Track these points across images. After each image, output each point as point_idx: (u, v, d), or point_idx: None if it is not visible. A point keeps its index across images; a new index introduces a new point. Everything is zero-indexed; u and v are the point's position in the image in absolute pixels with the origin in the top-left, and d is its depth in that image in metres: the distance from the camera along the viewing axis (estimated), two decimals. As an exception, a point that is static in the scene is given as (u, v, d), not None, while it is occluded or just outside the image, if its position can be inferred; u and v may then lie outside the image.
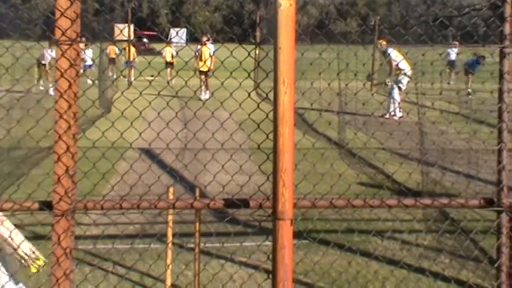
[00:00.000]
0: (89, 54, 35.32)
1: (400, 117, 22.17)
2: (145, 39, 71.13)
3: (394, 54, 22.61)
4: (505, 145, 5.70)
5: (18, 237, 5.55)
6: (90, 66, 35.77)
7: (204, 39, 30.18)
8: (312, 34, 7.47)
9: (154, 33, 74.24)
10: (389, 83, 23.22)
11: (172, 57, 37.54)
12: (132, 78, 35.49)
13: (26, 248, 5.44)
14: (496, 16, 5.86)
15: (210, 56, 28.63)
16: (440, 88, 32.46)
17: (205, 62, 27.67)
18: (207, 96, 27.72)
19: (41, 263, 5.73)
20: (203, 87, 28.45)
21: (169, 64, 37.26)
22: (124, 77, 33.86)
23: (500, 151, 5.72)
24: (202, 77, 28.97)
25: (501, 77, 5.78)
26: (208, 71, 28.54)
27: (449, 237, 8.98)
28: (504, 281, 5.88)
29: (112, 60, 36.85)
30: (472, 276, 7.74)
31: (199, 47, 29.56)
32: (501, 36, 5.80)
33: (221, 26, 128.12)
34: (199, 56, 28.89)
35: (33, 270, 5.72)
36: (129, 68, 36.07)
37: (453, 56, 37.70)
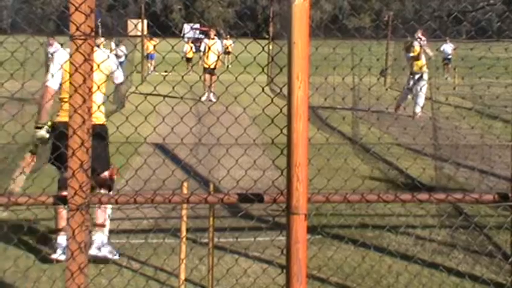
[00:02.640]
0: (122, 51, 34.99)
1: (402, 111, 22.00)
2: (201, 35, 66.38)
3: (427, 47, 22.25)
4: (520, 140, 5.70)
5: None
6: (121, 63, 35.55)
7: (212, 33, 28.68)
8: (326, 29, 7.48)
9: (207, 28, 72.49)
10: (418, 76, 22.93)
11: (192, 52, 37.89)
12: (151, 68, 35.55)
13: None
14: (511, 11, 5.85)
15: (221, 54, 27.81)
16: (454, 83, 32.40)
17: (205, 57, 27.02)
18: (212, 98, 26.22)
19: None
20: (207, 87, 26.67)
21: (189, 59, 37.50)
22: (138, 72, 33.79)
23: (514, 146, 5.72)
24: (207, 75, 26.76)
25: (516, 72, 5.77)
26: (214, 68, 26.77)
27: (463, 232, 8.97)
28: (518, 276, 5.88)
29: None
30: (486, 271, 7.72)
31: (205, 41, 28.19)
32: (516, 31, 5.79)
33: (234, 21, 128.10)
34: (205, 52, 27.49)
35: None
36: (142, 63, 35.92)
37: (448, 55, 37.75)
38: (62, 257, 7.83)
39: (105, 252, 8.13)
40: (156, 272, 7.59)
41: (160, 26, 6.48)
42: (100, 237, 8.18)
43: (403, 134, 12.92)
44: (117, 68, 8.47)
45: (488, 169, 12.05)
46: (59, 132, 7.55)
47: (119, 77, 8.49)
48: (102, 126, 8.13)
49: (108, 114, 8.38)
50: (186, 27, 74.44)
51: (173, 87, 5.60)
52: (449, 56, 37.97)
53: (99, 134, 7.32)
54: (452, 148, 13.55)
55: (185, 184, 6.22)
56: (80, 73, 4.28)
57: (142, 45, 35.68)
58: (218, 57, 27.30)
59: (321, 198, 5.00)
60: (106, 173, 8.29)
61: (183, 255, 6.60)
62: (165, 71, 7.84)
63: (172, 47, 5.26)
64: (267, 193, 4.83)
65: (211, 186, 6.16)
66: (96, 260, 7.75)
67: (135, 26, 34.93)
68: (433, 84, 14.15)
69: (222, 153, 5.89)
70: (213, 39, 27.99)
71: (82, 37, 4.27)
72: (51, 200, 4.64)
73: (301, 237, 3.72)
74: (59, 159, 7.15)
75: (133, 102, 6.48)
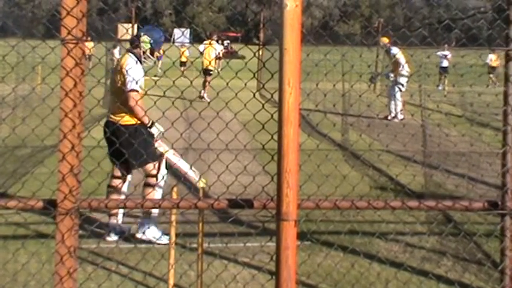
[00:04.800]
0: (117, 54, 35.19)
1: (402, 119, 22.10)
2: (227, 42, 64.03)
3: (400, 54, 22.44)
4: (510, 148, 5.70)
5: (183, 164, 8.66)
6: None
7: (214, 37, 31.04)
8: (316, 35, 7.47)
9: (237, 34, 69.63)
10: (391, 79, 23.03)
11: (186, 57, 38.77)
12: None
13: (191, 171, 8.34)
14: (502, 19, 5.86)
15: (216, 57, 28.95)
16: (445, 90, 32.41)
17: (209, 61, 28.07)
18: (206, 98, 27.31)
19: (205, 181, 7.84)
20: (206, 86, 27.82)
21: (184, 64, 38.22)
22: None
23: (504, 154, 5.72)
24: (205, 76, 27.96)
25: (506, 79, 5.78)
26: (211, 70, 28.23)
27: (453, 240, 8.97)
28: (507, 284, 5.87)
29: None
30: (475, 279, 7.73)
31: (203, 45, 29.71)
32: (507, 39, 5.80)
33: (225, 26, 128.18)
34: (204, 55, 28.42)
35: (201, 185, 7.67)
36: None
37: (445, 62, 37.18)
38: (114, 238, 8.87)
39: (150, 236, 8.85)
40: (145, 277, 7.56)
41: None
42: (146, 221, 8.87)
43: (393, 140, 12.92)
44: (129, 75, 8.53)
45: (478, 177, 12.07)
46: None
47: (127, 85, 8.50)
48: (132, 126, 8.58)
49: (98, 119, 8.38)
50: (177, 32, 74.04)
51: (164, 92, 5.60)
52: (444, 65, 37.18)
53: (131, 133, 8.21)
54: (443, 155, 13.57)
55: (175, 189, 6.21)
56: (71, 77, 4.28)
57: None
58: (217, 58, 28.56)
59: (311, 205, 5.00)
60: (148, 166, 8.80)
61: (172, 261, 6.58)
62: (155, 75, 7.86)
63: (164, 52, 5.26)
64: (257, 199, 4.83)
65: (201, 191, 6.16)
66: (86, 261, 7.74)
67: (127, 30, 34.89)
68: (424, 91, 14.14)
69: (212, 158, 5.88)
70: (210, 44, 29.19)
71: (73, 41, 4.27)
72: (40, 204, 4.62)
73: (290, 243, 3.71)
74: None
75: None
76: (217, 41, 31.45)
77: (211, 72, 28.25)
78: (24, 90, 7.40)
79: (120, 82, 8.60)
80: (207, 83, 27.87)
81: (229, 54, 53.04)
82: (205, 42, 30.01)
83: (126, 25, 36.32)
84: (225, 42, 61.46)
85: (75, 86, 4.30)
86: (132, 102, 8.38)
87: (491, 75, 38.98)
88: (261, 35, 36.18)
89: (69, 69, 4.27)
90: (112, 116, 8.66)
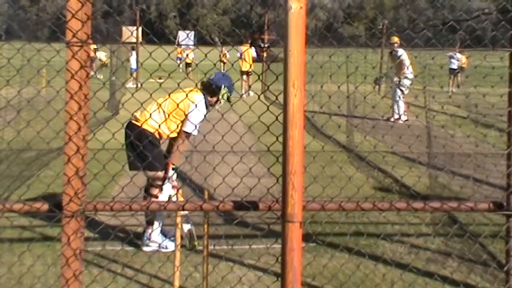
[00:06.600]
0: (133, 58, 35.51)
1: (406, 121, 22.10)
2: (262, 44, 60.50)
3: (405, 55, 22.53)
4: (515, 149, 5.70)
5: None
6: (135, 69, 35.87)
7: (249, 41, 33.37)
8: (321, 37, 7.48)
9: (276, 37, 68.04)
10: (396, 81, 23.05)
11: (191, 59, 40.76)
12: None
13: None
14: (506, 20, 5.86)
15: (252, 58, 30.80)
16: (451, 92, 32.36)
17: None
18: (251, 94, 30.13)
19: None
20: (245, 86, 30.84)
21: (189, 65, 40.44)
22: (135, 79, 33.96)
23: (509, 155, 5.72)
24: (244, 76, 31.01)
25: (511, 81, 5.78)
26: (251, 72, 31.04)
27: (458, 241, 8.95)
28: (513, 285, 5.87)
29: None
30: (480, 280, 7.71)
31: (242, 48, 31.62)
32: (511, 40, 5.80)
33: (229, 29, 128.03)
34: (242, 57, 31.26)
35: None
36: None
37: (454, 65, 36.86)
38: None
39: (154, 246, 8.68)
40: (151, 279, 7.56)
41: (155, 33, 6.51)
42: (147, 232, 8.74)
43: (398, 142, 12.90)
44: (192, 119, 8.28)
45: (483, 178, 12.04)
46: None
47: (187, 126, 8.30)
48: (138, 127, 8.29)
49: (103, 121, 8.38)
50: (181, 34, 73.98)
51: (169, 95, 5.59)
52: (454, 66, 36.79)
53: (138, 136, 8.01)
54: (447, 157, 13.54)
55: (180, 191, 6.22)
56: (76, 80, 4.28)
57: (137, 52, 35.71)
58: (253, 60, 31.75)
59: (316, 206, 5.00)
60: (150, 173, 8.53)
61: (177, 263, 6.58)
62: (159, 78, 7.85)
63: (169, 54, 5.26)
64: (262, 201, 4.83)
65: (206, 193, 6.15)
66: (91, 264, 7.74)
67: (132, 33, 35.02)
68: (428, 92, 14.12)
69: (217, 160, 5.88)
70: (249, 46, 32.42)
71: (78, 44, 4.28)
72: (46, 207, 4.63)
73: (296, 245, 3.71)
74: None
75: (129, 109, 6.48)
76: (251, 45, 33.05)
77: (250, 73, 31.19)
78: (29, 93, 7.40)
79: (180, 114, 8.33)
80: (245, 83, 31.02)
81: (268, 56, 52.23)
82: (243, 45, 32.22)
83: (130, 28, 36.48)
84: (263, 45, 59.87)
85: (80, 89, 4.30)
86: (180, 142, 8.31)
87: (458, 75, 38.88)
88: (266, 37, 36.49)
89: (74, 72, 4.28)
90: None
